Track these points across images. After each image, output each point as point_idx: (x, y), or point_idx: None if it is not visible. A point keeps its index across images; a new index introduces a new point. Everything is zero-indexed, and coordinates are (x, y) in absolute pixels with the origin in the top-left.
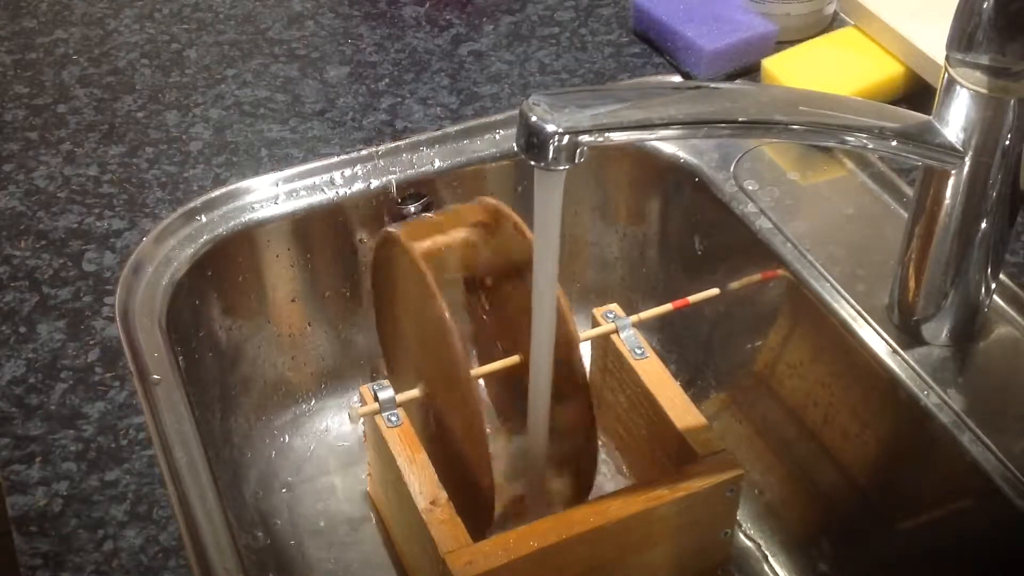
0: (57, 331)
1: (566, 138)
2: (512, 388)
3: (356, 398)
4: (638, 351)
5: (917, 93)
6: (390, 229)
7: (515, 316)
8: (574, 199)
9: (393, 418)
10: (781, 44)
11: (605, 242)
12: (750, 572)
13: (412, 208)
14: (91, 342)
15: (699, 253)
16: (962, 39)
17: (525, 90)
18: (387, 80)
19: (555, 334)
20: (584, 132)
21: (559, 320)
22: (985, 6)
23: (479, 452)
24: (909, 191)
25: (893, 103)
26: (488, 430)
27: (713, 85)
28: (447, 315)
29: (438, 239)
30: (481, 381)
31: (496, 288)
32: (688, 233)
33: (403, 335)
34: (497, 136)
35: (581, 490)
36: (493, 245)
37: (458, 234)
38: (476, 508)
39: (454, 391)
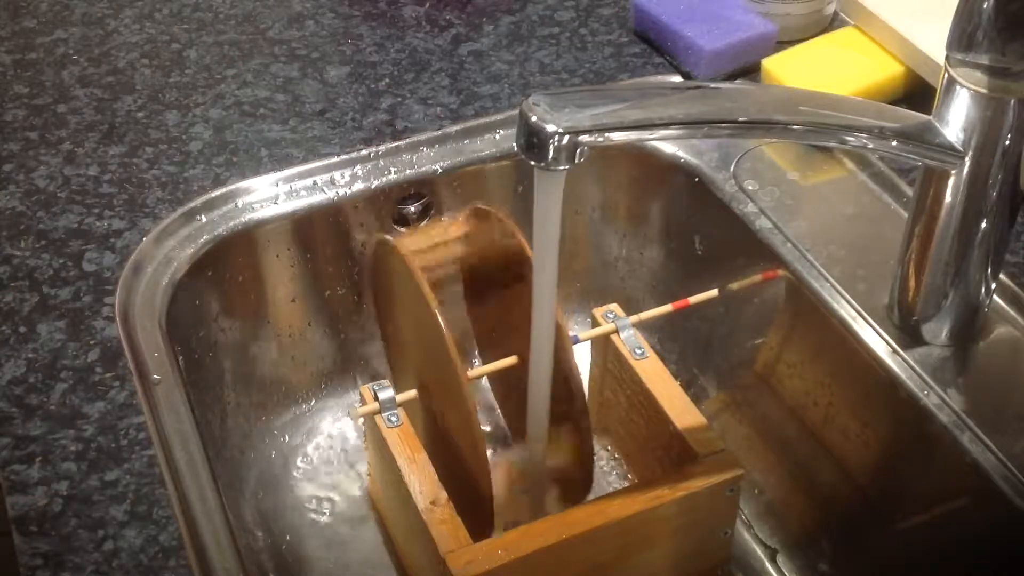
0: (57, 331)
1: (566, 138)
2: (512, 388)
3: (356, 398)
4: (638, 351)
5: (917, 93)
6: (386, 237)
7: (514, 317)
8: (574, 199)
9: (393, 418)
10: (781, 44)
11: (605, 242)
12: (750, 572)
13: (412, 208)
14: (91, 342)
15: (699, 253)
16: (962, 39)
17: (525, 90)
18: (387, 80)
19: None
20: (584, 132)
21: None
22: (985, 6)
23: (476, 453)
24: (909, 191)
25: (893, 103)
26: (488, 429)
27: (713, 85)
28: (442, 320)
29: (434, 244)
30: (484, 380)
31: (493, 290)
32: (688, 233)
33: (402, 337)
34: (497, 136)
35: (581, 490)
36: (487, 249)
37: (453, 239)
38: (475, 508)
39: (451, 394)
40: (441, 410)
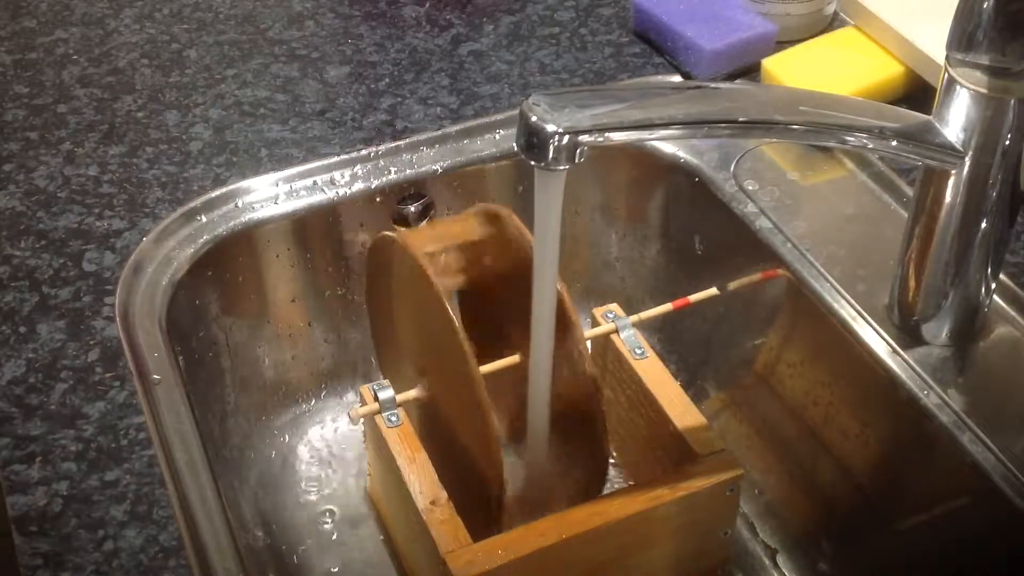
0: (57, 331)
1: (566, 138)
2: (513, 388)
3: (356, 398)
4: (638, 351)
5: (917, 93)
6: (387, 233)
7: (515, 317)
8: (574, 199)
9: (393, 418)
10: (781, 44)
11: (605, 242)
12: (750, 572)
13: (412, 208)
14: (91, 342)
15: (699, 253)
16: (962, 39)
17: (525, 90)
18: (387, 80)
19: (555, 334)
20: (584, 132)
21: (564, 317)
22: (985, 6)
23: (488, 449)
24: (909, 191)
25: (893, 103)
26: None
27: (713, 85)
28: (451, 312)
29: (438, 242)
30: None
31: (496, 290)
32: (688, 233)
33: (400, 336)
34: (497, 136)
35: (591, 491)
36: (493, 248)
37: (457, 238)
38: (482, 506)
39: (460, 387)
40: (446, 405)
